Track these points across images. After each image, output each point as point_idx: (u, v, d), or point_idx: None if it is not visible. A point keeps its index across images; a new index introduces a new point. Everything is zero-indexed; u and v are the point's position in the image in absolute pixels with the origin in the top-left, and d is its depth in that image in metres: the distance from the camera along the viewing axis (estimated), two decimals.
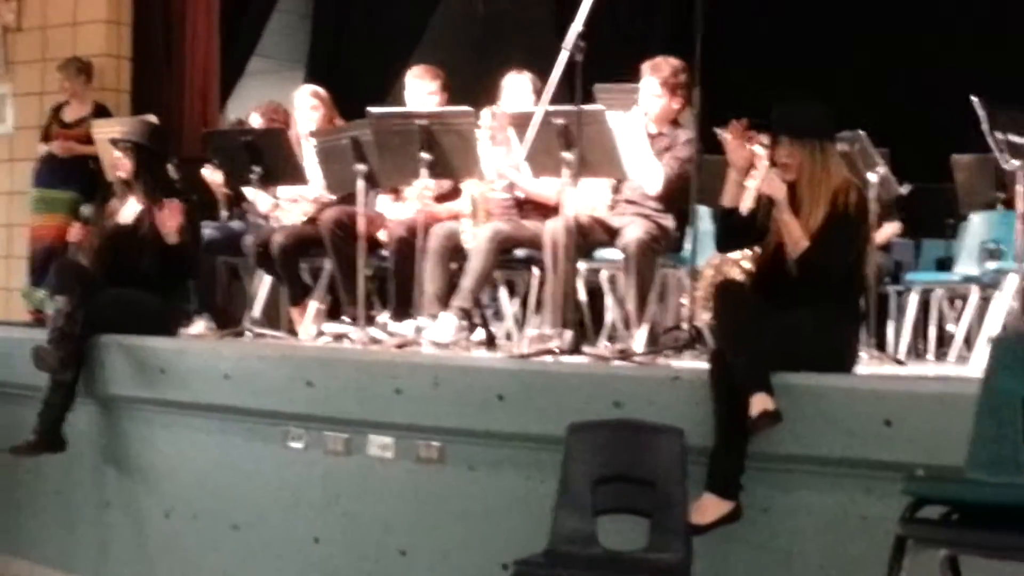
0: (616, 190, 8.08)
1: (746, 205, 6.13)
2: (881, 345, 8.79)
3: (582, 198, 7.49)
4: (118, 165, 8.05)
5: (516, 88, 8.40)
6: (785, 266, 5.94)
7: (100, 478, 7.77)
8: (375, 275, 8.71)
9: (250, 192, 8.74)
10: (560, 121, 7.14)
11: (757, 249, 6.24)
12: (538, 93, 7.84)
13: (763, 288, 6.04)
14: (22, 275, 10.76)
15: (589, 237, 7.74)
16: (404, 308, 8.12)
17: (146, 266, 7.88)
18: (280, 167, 8.59)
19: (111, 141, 8.16)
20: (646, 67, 7.94)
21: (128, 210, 8.03)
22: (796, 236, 5.87)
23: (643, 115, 7.88)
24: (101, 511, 7.77)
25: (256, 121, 9.54)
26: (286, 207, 9.10)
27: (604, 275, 8.18)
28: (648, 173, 7.78)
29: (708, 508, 5.48)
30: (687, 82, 7.76)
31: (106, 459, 7.74)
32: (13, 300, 11.05)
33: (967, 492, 4.65)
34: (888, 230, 9.33)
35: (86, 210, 8.16)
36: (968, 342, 9.21)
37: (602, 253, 7.95)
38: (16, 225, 11.25)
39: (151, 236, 7.88)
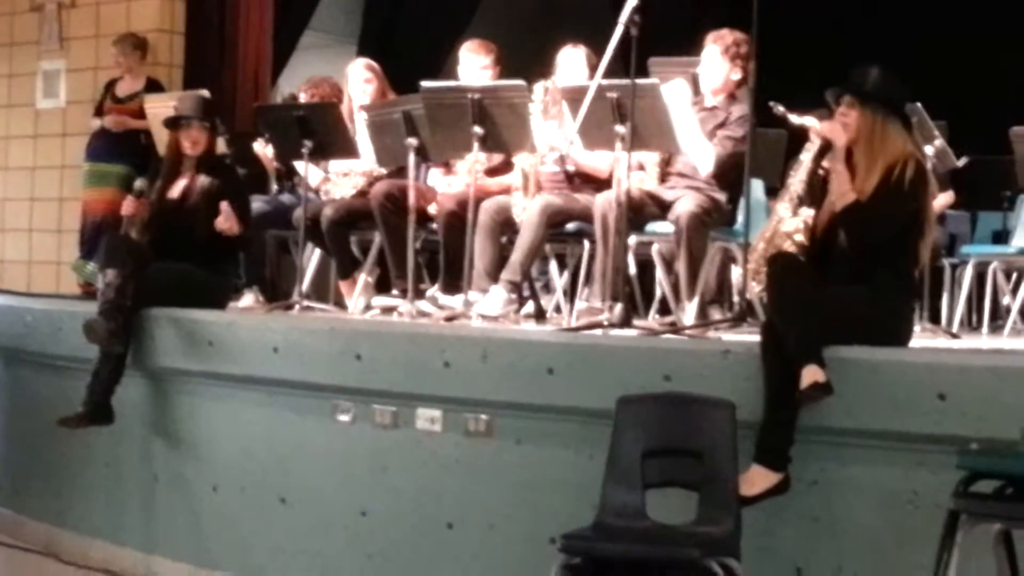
0: (668, 163, 8.02)
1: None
2: (935, 318, 8.73)
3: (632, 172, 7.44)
4: (193, 143, 8.02)
5: (571, 62, 8.35)
6: (838, 239, 5.87)
7: (149, 451, 7.79)
8: (425, 248, 8.69)
9: (301, 166, 8.71)
10: (613, 95, 7.09)
11: (809, 219, 6.17)
12: (593, 68, 7.80)
13: (815, 260, 5.97)
14: (73, 249, 10.79)
15: (640, 210, 7.69)
16: (453, 281, 8.09)
17: (196, 239, 7.87)
18: (331, 141, 8.56)
19: (178, 119, 8.12)
20: (709, 37, 7.92)
21: (179, 184, 8.03)
22: (845, 187, 5.83)
23: (690, 88, 7.83)
24: (150, 484, 7.79)
25: (302, 96, 9.51)
26: (337, 181, 9.08)
27: (655, 248, 8.11)
28: (700, 153, 7.72)
29: (756, 480, 5.44)
30: (748, 53, 7.69)
31: (155, 432, 7.75)
32: (64, 273, 11.11)
33: (1021, 466, 4.59)
34: (941, 200, 9.22)
35: (139, 183, 8.13)
36: (1023, 315, 9.15)
37: (653, 226, 7.89)
38: (68, 199, 11.30)
39: (201, 209, 7.87)
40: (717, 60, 7.88)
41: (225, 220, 7.75)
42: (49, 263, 11.50)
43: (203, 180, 7.95)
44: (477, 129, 7.63)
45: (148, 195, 8.06)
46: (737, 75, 7.88)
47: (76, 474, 8.21)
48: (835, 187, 5.88)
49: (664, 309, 8.31)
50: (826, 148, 6.07)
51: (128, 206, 8.05)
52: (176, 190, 8.01)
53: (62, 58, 11.63)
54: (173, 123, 8.16)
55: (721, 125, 7.81)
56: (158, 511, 7.76)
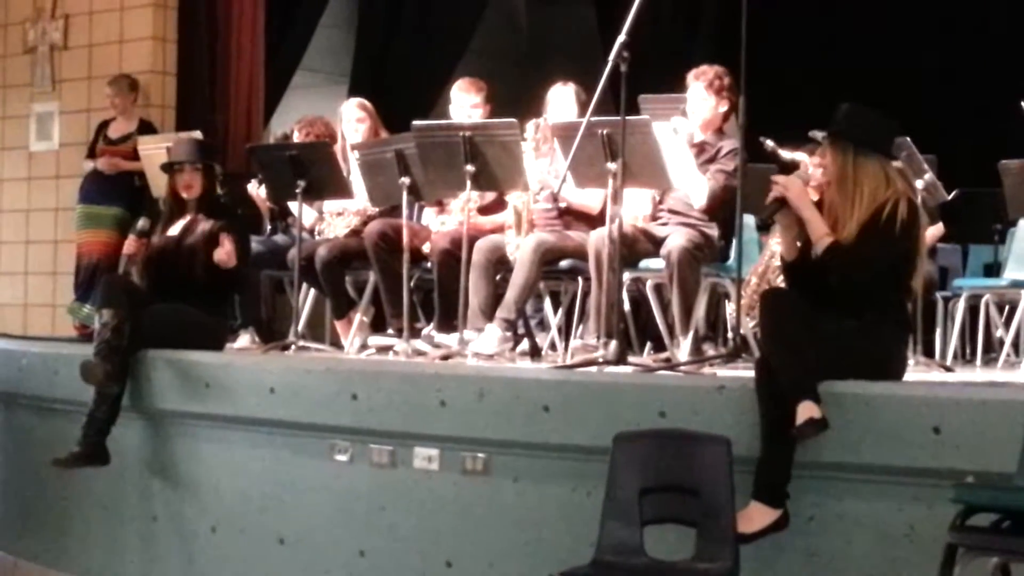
0: (660, 200, 8.06)
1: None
2: (929, 352, 8.74)
3: (625, 208, 7.46)
4: (187, 186, 8.04)
5: (561, 100, 8.39)
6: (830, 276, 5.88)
7: (146, 492, 7.79)
8: (419, 287, 8.72)
9: (294, 206, 8.73)
10: (604, 131, 7.12)
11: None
12: (582, 104, 7.85)
13: (802, 290, 5.96)
14: (68, 291, 10.80)
15: (633, 247, 7.71)
16: (448, 320, 8.12)
17: (194, 279, 7.88)
18: (325, 181, 8.58)
19: (172, 163, 8.15)
20: (691, 75, 7.97)
21: (178, 225, 8.04)
22: (819, 233, 5.80)
23: (684, 124, 7.87)
24: (148, 525, 7.78)
25: (295, 136, 9.54)
26: (331, 220, 9.11)
27: (649, 284, 8.14)
28: (694, 187, 7.75)
29: (755, 517, 5.44)
30: (731, 85, 7.76)
31: (152, 473, 7.75)
32: (60, 316, 11.11)
33: (1018, 499, 4.61)
34: (931, 232, 9.25)
35: (142, 223, 8.13)
36: (1017, 348, 9.18)
37: (646, 263, 7.92)
38: (62, 241, 11.31)
39: (199, 250, 7.88)
40: (702, 95, 7.92)
41: (223, 252, 7.75)
42: (45, 306, 11.51)
43: (203, 221, 7.95)
44: (469, 167, 7.65)
45: (149, 235, 8.07)
46: (724, 107, 7.93)
47: (74, 516, 8.20)
48: (811, 235, 5.85)
49: (659, 346, 8.33)
50: (781, 204, 6.01)
51: (129, 246, 8.05)
52: (176, 229, 8.03)
53: (55, 100, 11.67)
54: (168, 168, 8.19)
55: (711, 160, 7.85)
56: (156, 552, 7.74)
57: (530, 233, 8.06)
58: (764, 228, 8.49)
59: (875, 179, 5.83)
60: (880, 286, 5.79)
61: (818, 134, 5.97)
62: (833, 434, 5.40)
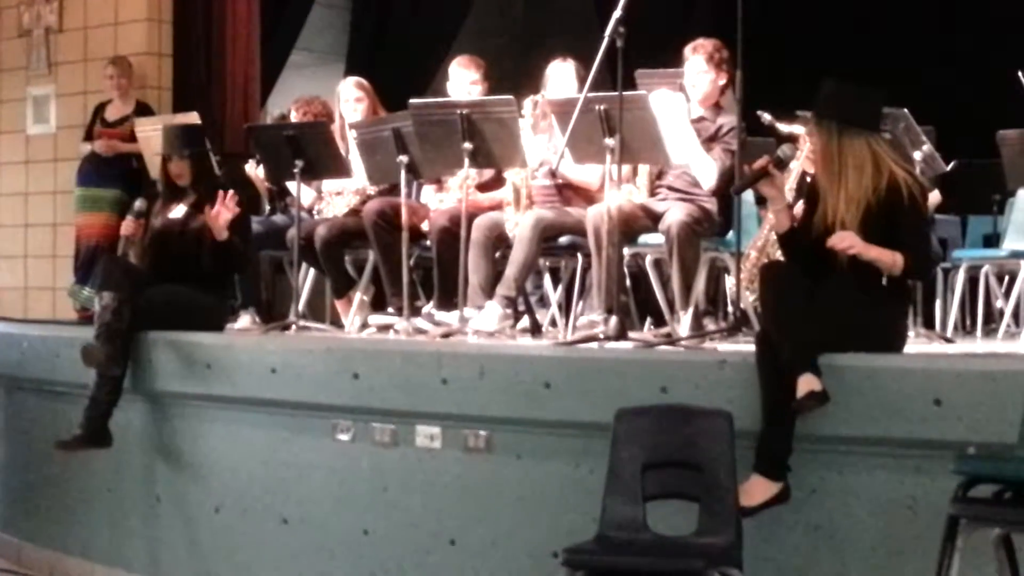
0: (658, 176, 8.05)
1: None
2: (929, 323, 8.75)
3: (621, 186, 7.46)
4: (178, 175, 8.04)
5: (561, 76, 8.38)
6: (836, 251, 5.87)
7: (149, 474, 7.80)
8: (419, 265, 8.71)
9: (293, 186, 8.72)
10: (601, 107, 7.11)
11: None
12: (582, 81, 7.82)
13: (814, 272, 5.96)
14: (68, 274, 10.81)
15: (632, 223, 7.70)
16: (448, 298, 8.12)
17: (197, 263, 7.88)
18: (323, 160, 8.56)
19: (166, 155, 8.14)
20: (688, 49, 7.97)
21: (179, 207, 8.04)
22: (890, 262, 5.72)
23: (686, 100, 7.86)
24: (151, 507, 7.80)
25: (292, 116, 9.53)
26: (330, 200, 9.11)
27: (648, 260, 8.14)
28: (702, 169, 7.75)
29: (756, 490, 5.46)
30: (730, 57, 7.75)
31: (155, 455, 7.77)
32: (60, 299, 11.12)
33: (1020, 470, 4.63)
34: (930, 200, 9.23)
35: (139, 204, 8.12)
36: (1017, 318, 9.19)
37: (645, 238, 7.92)
38: (61, 224, 11.31)
39: (201, 233, 7.88)
40: (703, 68, 7.91)
41: (221, 215, 7.73)
42: (45, 289, 11.52)
43: (207, 206, 7.92)
44: (467, 145, 7.64)
45: (147, 216, 8.06)
46: (723, 80, 7.92)
47: (77, 499, 8.22)
48: (882, 269, 5.76)
49: (659, 321, 8.33)
50: (760, 176, 6.01)
51: (128, 227, 8.03)
52: (178, 212, 8.02)
53: (51, 83, 11.65)
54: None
55: (713, 138, 7.84)
56: (160, 534, 7.76)
57: (529, 210, 8.06)
58: (762, 202, 8.48)
59: (860, 157, 5.81)
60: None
61: (806, 114, 5.96)
62: (834, 407, 5.41)
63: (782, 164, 6.01)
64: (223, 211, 7.73)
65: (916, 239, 5.81)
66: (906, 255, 5.72)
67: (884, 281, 5.77)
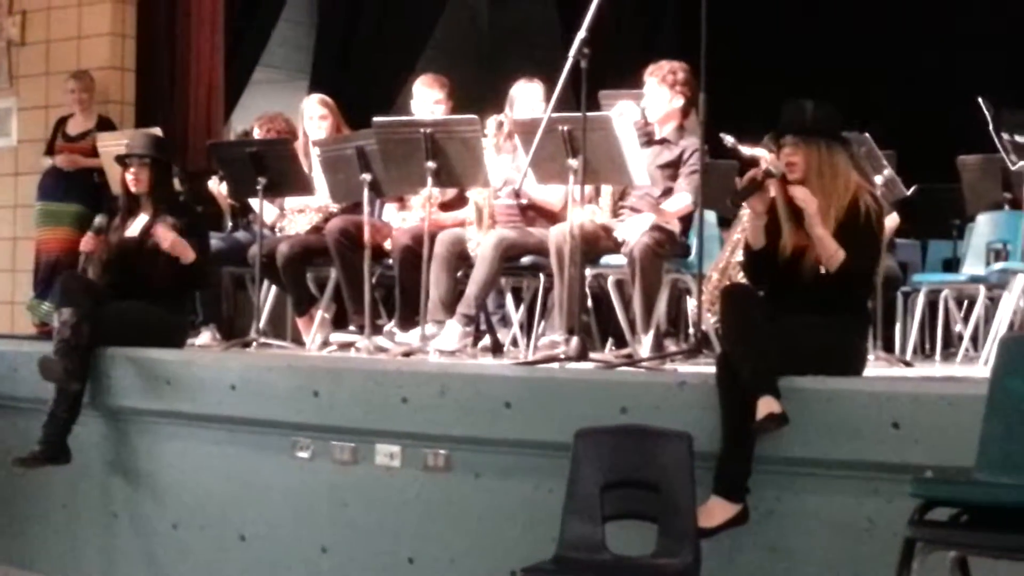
0: (621, 197, 8.07)
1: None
2: (889, 347, 8.78)
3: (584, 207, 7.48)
4: (135, 180, 8.01)
5: (527, 96, 8.43)
6: (801, 273, 5.89)
7: (107, 490, 7.76)
8: (381, 283, 8.71)
9: (255, 203, 8.71)
10: (565, 127, 7.13)
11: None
12: (548, 101, 7.84)
13: (776, 295, 5.99)
14: (27, 289, 10.76)
15: (594, 243, 7.72)
16: (410, 316, 8.12)
17: (156, 279, 7.85)
18: (285, 177, 8.55)
19: (123, 157, 8.12)
20: (647, 71, 8.01)
21: (137, 223, 8.01)
22: (832, 249, 5.80)
23: (631, 108, 7.92)
24: (109, 523, 7.75)
25: (256, 133, 9.52)
26: (292, 217, 9.09)
27: (610, 280, 8.15)
28: (674, 201, 7.81)
29: (715, 511, 5.47)
30: (687, 80, 7.79)
31: (113, 471, 7.73)
32: (19, 314, 11.05)
33: (976, 493, 4.64)
34: (888, 223, 9.27)
35: (99, 220, 8.09)
36: (976, 342, 9.23)
37: (607, 259, 7.93)
38: (21, 239, 11.25)
39: (158, 249, 7.84)
40: (656, 89, 7.96)
41: (164, 234, 7.73)
42: (4, 303, 11.45)
43: (164, 220, 7.90)
44: (431, 164, 7.67)
45: (107, 232, 8.03)
46: (679, 102, 7.95)
47: (34, 514, 8.16)
48: (821, 253, 5.83)
49: (620, 342, 8.34)
50: (756, 187, 6.04)
51: (87, 243, 8.00)
52: (136, 229, 7.99)
53: (12, 96, 11.58)
54: (121, 161, 8.16)
55: (677, 162, 7.87)
56: (118, 550, 7.72)
57: (491, 229, 8.07)
58: (725, 223, 8.52)
59: (846, 169, 5.95)
60: (848, 280, 5.86)
61: (788, 139, 5.99)
62: (793, 429, 5.43)
63: (772, 177, 6.04)
64: (163, 233, 7.72)
65: (861, 244, 5.85)
66: (848, 254, 5.79)
67: (842, 301, 5.83)
